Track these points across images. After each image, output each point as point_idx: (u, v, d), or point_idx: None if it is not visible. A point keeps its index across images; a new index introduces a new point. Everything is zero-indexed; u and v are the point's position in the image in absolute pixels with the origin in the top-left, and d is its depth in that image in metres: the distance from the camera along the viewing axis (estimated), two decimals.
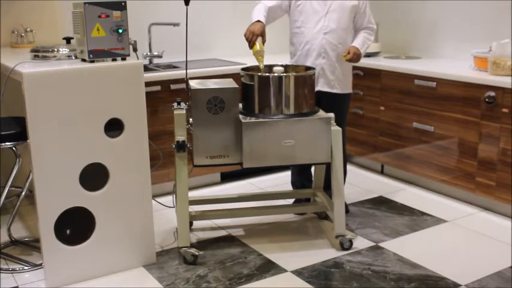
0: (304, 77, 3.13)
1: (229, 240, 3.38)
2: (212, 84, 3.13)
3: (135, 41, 2.96)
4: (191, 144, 3.08)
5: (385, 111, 4.27)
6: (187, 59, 3.25)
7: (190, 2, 3.11)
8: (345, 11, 3.40)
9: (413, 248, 3.25)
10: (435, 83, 3.87)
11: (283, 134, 3.04)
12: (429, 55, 4.52)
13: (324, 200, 3.46)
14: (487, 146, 3.61)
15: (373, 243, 3.31)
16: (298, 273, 2.99)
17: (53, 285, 2.86)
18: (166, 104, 3.79)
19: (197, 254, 3.08)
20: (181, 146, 3.04)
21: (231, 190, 4.14)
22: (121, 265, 3.01)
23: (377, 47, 4.56)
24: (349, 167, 4.43)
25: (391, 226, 3.54)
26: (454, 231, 3.48)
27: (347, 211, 3.67)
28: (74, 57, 3.00)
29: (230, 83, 3.15)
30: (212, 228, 3.54)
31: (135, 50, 2.97)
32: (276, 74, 3.12)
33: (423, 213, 3.73)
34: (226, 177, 4.38)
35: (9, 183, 3.11)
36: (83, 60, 2.87)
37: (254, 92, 3.09)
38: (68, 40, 3.19)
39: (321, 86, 3.47)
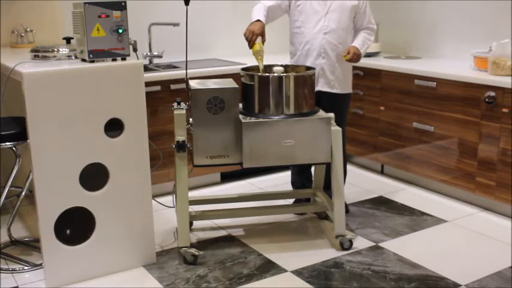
0: (304, 77, 3.13)
1: (229, 240, 3.38)
2: (212, 84, 3.13)
3: (135, 41, 2.96)
4: (191, 144, 3.08)
5: (385, 111, 4.27)
6: (187, 59, 3.25)
7: (190, 2, 3.11)
8: (345, 11, 3.40)
9: (413, 248, 3.25)
10: (435, 83, 3.87)
11: (283, 134, 3.04)
12: (429, 55, 4.52)
13: (324, 200, 3.46)
14: (487, 146, 3.61)
15: (373, 243, 3.31)
16: (298, 273, 2.99)
17: (53, 285, 2.86)
18: (166, 104, 3.79)
19: (197, 254, 3.08)
20: (181, 146, 3.04)
21: (231, 190, 4.14)
22: (121, 265, 3.01)
23: (377, 47, 4.56)
24: (349, 167, 4.43)
25: (391, 226, 3.54)
26: (454, 231, 3.48)
27: (347, 211, 3.67)
28: (74, 57, 3.00)
29: (230, 83, 3.15)
30: (212, 228, 3.54)
31: (135, 50, 2.97)
32: (276, 74, 3.12)
33: (423, 213, 3.73)
34: (226, 177, 4.38)
35: (9, 183, 3.11)
36: (83, 60, 2.87)
37: (254, 92, 3.09)
38: (68, 40, 3.19)
39: (321, 86, 3.47)
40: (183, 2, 3.10)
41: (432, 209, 3.78)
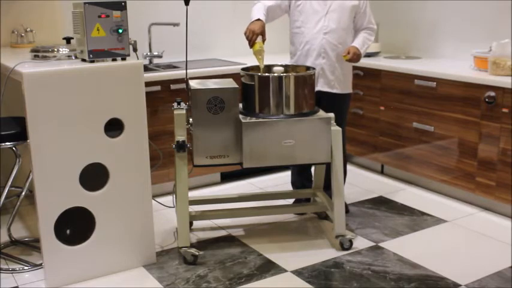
0: (304, 77, 3.13)
1: (229, 240, 3.38)
2: (212, 84, 3.13)
3: (135, 41, 2.96)
4: (191, 144, 3.08)
5: (385, 111, 4.27)
6: (187, 59, 3.25)
7: (190, 2, 3.11)
8: (345, 11, 3.40)
9: (413, 248, 3.25)
10: (435, 83, 3.87)
11: (283, 134, 3.04)
12: (429, 55, 4.52)
13: (324, 200, 3.46)
14: (487, 146, 3.61)
15: (373, 243, 3.31)
16: (298, 273, 2.99)
17: (53, 285, 2.86)
18: (166, 104, 3.79)
19: (197, 254, 3.08)
20: (181, 146, 3.04)
21: (231, 190, 4.14)
22: (121, 265, 3.01)
23: (377, 47, 4.56)
24: (349, 167, 4.43)
25: (391, 226, 3.54)
26: (454, 231, 3.48)
27: (347, 211, 3.67)
28: (74, 57, 3.00)
29: (230, 83, 3.15)
30: (212, 228, 3.54)
31: (135, 50, 2.97)
32: (276, 74, 3.12)
33: (423, 213, 3.73)
34: (226, 177, 4.38)
35: (9, 183, 3.11)
36: (83, 60, 2.87)
37: (254, 92, 3.09)
38: (68, 40, 3.19)
39: (320, 86, 3.47)
40: (183, 2, 3.10)
41: (432, 209, 3.78)
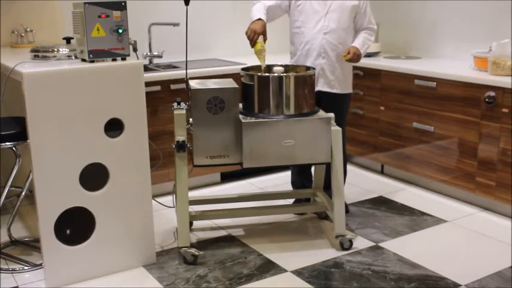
0: (304, 77, 3.13)
1: (229, 240, 3.38)
2: (212, 84, 3.13)
3: (135, 41, 2.96)
4: (191, 144, 3.08)
5: (385, 111, 4.27)
6: (187, 59, 3.25)
7: (190, 2, 3.11)
8: (345, 11, 3.40)
9: (413, 248, 3.25)
10: (435, 83, 3.87)
11: (283, 134, 3.04)
12: (429, 55, 4.52)
13: (324, 200, 3.46)
14: (487, 146, 3.61)
15: (373, 243, 3.31)
16: (298, 273, 2.99)
17: (53, 285, 2.86)
18: (166, 104, 3.79)
19: (197, 254, 3.08)
20: (181, 146, 3.04)
21: (231, 190, 4.14)
22: (121, 265, 3.01)
23: (377, 47, 4.56)
24: (349, 167, 4.43)
25: (391, 226, 3.54)
26: (454, 231, 3.48)
27: (347, 211, 3.67)
28: (74, 57, 3.00)
29: (230, 83, 3.15)
30: (212, 228, 3.54)
31: (135, 50, 2.97)
32: (276, 74, 3.12)
33: (423, 213, 3.73)
34: (226, 177, 4.38)
35: (9, 183, 3.11)
36: (83, 60, 2.87)
37: (254, 92, 3.09)
38: (68, 40, 3.19)
39: (321, 86, 3.47)
40: (183, 2, 3.10)
41: (432, 209, 3.78)
